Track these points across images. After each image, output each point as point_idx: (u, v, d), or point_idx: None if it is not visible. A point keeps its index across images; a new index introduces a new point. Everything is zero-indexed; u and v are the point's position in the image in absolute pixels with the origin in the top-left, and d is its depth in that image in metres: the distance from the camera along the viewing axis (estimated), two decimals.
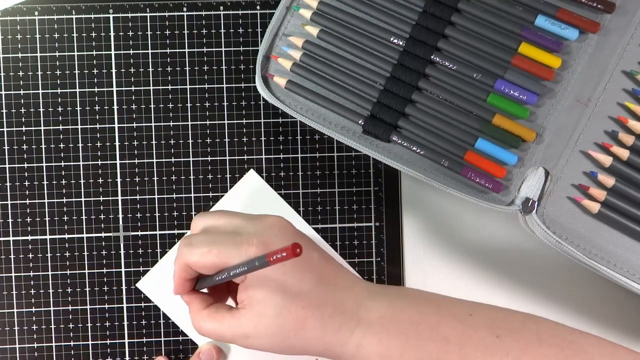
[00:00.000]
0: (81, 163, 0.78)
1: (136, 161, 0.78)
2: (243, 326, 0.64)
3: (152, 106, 0.79)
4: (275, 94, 0.76)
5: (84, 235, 0.78)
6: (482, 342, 0.61)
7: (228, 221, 0.67)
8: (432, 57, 0.74)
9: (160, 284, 0.78)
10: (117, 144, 0.78)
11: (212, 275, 0.66)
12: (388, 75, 0.75)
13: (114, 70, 0.78)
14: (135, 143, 0.78)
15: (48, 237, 0.78)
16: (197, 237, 0.66)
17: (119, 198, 0.79)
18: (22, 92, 0.78)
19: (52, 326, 0.78)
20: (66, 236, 0.78)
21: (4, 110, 0.78)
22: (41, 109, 0.78)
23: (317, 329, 0.63)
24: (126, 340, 0.78)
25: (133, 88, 0.78)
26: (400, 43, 0.75)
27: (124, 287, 0.79)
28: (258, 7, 0.79)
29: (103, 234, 0.78)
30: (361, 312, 0.63)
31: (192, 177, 0.79)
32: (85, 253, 0.78)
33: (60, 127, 0.78)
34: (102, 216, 0.78)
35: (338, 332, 0.63)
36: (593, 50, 0.74)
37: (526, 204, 0.72)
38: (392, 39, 0.75)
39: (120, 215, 0.78)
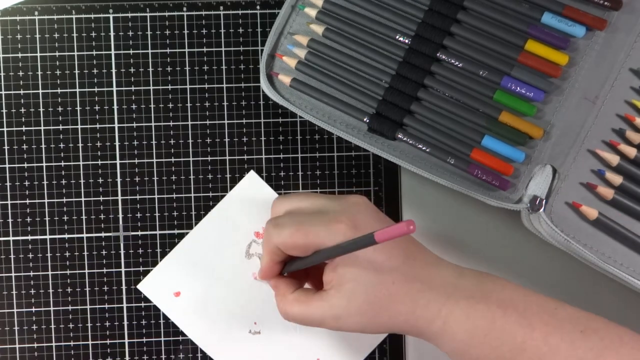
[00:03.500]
0: (81, 163, 0.78)
1: (136, 161, 0.78)
2: (333, 307, 0.65)
3: (152, 106, 0.79)
4: (280, 92, 0.76)
5: (84, 235, 0.78)
6: (568, 335, 0.62)
7: (312, 202, 0.68)
8: (438, 54, 0.74)
9: (161, 286, 0.78)
10: (117, 144, 0.78)
11: (303, 258, 0.67)
12: (393, 73, 0.75)
13: (114, 70, 0.78)
14: (135, 143, 0.78)
15: (48, 237, 0.78)
16: (284, 218, 0.67)
17: (119, 198, 0.78)
18: (22, 92, 0.78)
19: (52, 326, 0.78)
20: (66, 236, 0.78)
21: (4, 110, 0.78)
22: (41, 109, 0.78)
23: (407, 303, 0.64)
24: (126, 340, 0.78)
25: (133, 88, 0.78)
26: (406, 41, 0.75)
27: (124, 287, 0.78)
28: (258, 7, 0.79)
29: (103, 234, 0.78)
30: (449, 290, 0.64)
31: (192, 177, 0.79)
32: (85, 253, 0.78)
33: (60, 127, 0.78)
34: (102, 216, 0.78)
35: (427, 307, 0.63)
36: (600, 48, 0.74)
37: (534, 202, 0.72)
38: (397, 36, 0.75)
39: (120, 215, 0.78)
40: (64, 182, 0.78)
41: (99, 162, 0.78)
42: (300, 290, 0.69)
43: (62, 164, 0.78)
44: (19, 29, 0.78)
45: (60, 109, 0.78)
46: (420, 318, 0.63)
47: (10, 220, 0.78)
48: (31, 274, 0.78)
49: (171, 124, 0.79)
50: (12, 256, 0.78)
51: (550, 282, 0.80)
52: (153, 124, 0.79)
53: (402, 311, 0.64)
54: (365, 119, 0.75)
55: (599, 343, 0.61)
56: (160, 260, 0.78)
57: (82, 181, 0.78)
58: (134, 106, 0.78)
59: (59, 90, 0.78)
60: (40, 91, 0.78)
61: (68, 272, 0.78)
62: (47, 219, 0.78)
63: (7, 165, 0.78)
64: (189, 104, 0.79)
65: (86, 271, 0.78)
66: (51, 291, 0.78)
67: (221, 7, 0.79)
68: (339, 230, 0.64)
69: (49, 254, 0.78)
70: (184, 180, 0.79)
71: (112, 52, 0.78)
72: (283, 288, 0.69)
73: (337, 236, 0.63)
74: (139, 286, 0.78)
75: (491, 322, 0.62)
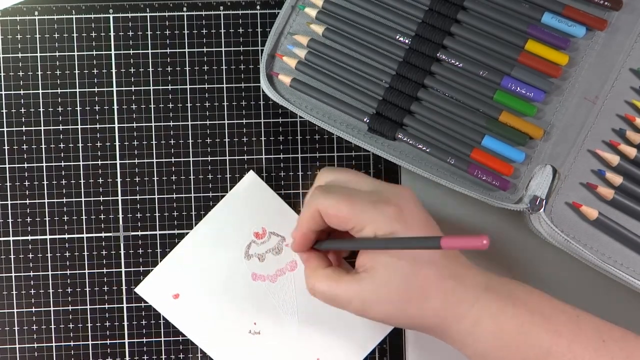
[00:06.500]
0: (81, 163, 0.78)
1: (136, 161, 0.78)
2: (363, 290, 0.64)
3: (152, 106, 0.78)
4: (280, 92, 0.76)
5: (84, 235, 0.78)
6: (591, 343, 0.63)
7: (364, 180, 0.68)
8: (438, 54, 0.74)
9: (160, 288, 0.78)
10: (117, 144, 0.78)
11: (352, 241, 0.67)
12: (394, 73, 0.75)
13: (114, 70, 0.78)
14: (135, 143, 0.78)
15: (48, 237, 0.78)
16: (334, 187, 0.67)
17: (119, 198, 0.78)
18: (22, 92, 0.78)
19: (52, 326, 0.78)
20: (66, 236, 0.78)
21: (4, 110, 0.78)
22: (41, 109, 0.78)
23: (438, 299, 0.64)
24: (126, 340, 0.78)
25: (133, 88, 0.78)
26: (406, 41, 0.75)
27: (124, 287, 0.78)
28: (258, 7, 0.79)
29: (103, 234, 0.78)
30: (480, 292, 0.64)
31: (192, 177, 0.78)
32: (85, 253, 0.78)
33: (60, 127, 0.78)
34: (102, 216, 0.78)
35: (457, 305, 0.64)
36: (600, 48, 0.74)
37: (534, 202, 0.72)
38: (397, 37, 0.75)
39: (120, 215, 0.78)
40: (64, 182, 0.78)
41: (99, 162, 0.78)
42: (333, 268, 0.68)
43: (62, 164, 0.78)
44: (19, 29, 0.78)
45: (60, 109, 0.78)
46: (449, 316, 0.64)
47: (10, 220, 0.78)
48: (31, 274, 0.78)
49: (171, 124, 0.78)
50: (12, 256, 0.78)
51: (551, 282, 0.79)
52: (153, 124, 0.78)
53: (432, 306, 0.64)
54: (365, 119, 0.75)
55: (619, 353, 0.62)
56: (161, 261, 0.78)
57: (82, 181, 0.78)
58: (134, 106, 0.78)
59: (59, 90, 0.78)
60: (40, 91, 0.78)
61: (68, 272, 0.78)
62: (47, 219, 0.78)
63: (7, 165, 0.78)
64: (189, 104, 0.78)
65: (86, 271, 0.78)
66: (51, 291, 0.78)
67: (221, 7, 0.79)
68: (387, 212, 0.64)
69: (49, 254, 0.78)
70: (184, 180, 0.78)
71: (112, 52, 0.78)
72: (315, 262, 0.69)
73: (383, 217, 0.64)
74: (137, 289, 0.78)
75: (519, 326, 0.63)
